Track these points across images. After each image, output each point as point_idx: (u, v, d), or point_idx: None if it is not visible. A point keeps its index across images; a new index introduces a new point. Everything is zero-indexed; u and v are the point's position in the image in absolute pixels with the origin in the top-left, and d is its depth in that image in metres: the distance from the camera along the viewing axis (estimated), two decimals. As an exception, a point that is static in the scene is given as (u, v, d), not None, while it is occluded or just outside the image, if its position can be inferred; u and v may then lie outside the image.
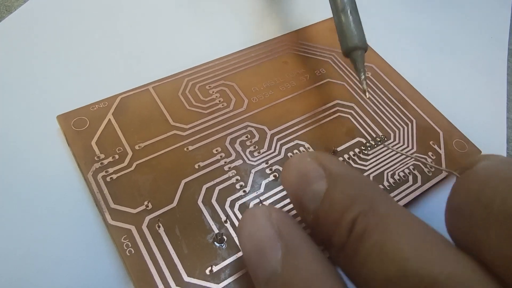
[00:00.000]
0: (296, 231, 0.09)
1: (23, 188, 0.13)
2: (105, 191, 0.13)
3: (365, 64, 0.17)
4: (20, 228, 0.12)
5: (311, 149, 0.14)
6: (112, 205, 0.12)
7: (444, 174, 0.14)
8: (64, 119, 0.14)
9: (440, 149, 0.15)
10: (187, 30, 0.19)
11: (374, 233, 0.08)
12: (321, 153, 0.10)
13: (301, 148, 0.14)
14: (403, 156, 0.15)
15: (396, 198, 0.14)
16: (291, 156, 0.14)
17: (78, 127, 0.14)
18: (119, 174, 0.13)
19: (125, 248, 0.12)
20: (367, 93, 0.13)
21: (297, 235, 0.09)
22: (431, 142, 0.15)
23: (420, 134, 0.16)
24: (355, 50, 0.14)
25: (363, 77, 0.13)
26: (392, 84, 0.17)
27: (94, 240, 0.12)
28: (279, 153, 0.14)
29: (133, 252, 0.11)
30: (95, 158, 0.13)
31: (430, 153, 0.15)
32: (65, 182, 0.13)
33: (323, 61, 0.17)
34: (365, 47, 0.14)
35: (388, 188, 0.14)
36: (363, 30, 0.14)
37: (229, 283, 0.11)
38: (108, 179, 0.13)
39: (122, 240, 0.12)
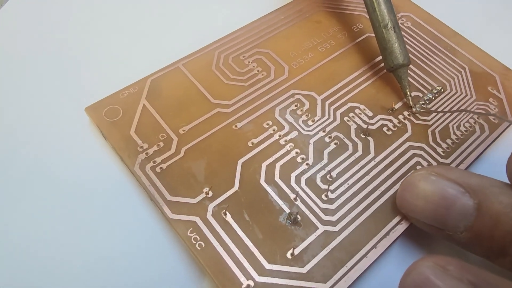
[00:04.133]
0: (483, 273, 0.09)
1: (70, 192, 0.11)
2: (158, 183, 0.11)
3: (403, 13, 0.16)
4: (77, 234, 0.11)
5: (367, 111, 0.13)
6: (169, 198, 0.11)
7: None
8: (94, 110, 0.12)
9: (500, 93, 0.14)
10: (206, 1, 0.17)
11: None
12: (439, 167, 0.11)
13: (356, 111, 0.13)
14: (465, 106, 0.14)
15: (467, 150, 0.13)
16: (407, 177, 0.11)
17: (111, 117, 0.12)
18: (168, 163, 0.12)
19: (194, 242, 0.10)
20: (413, 108, 0.13)
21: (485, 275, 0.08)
22: (489, 88, 0.14)
23: (476, 81, 0.14)
24: (400, 67, 0.13)
25: (409, 93, 0.13)
26: (435, 32, 0.16)
27: (156, 237, 0.11)
28: (335, 119, 0.13)
29: (203, 245, 0.10)
30: (138, 148, 0.12)
31: (491, 99, 0.14)
32: (111, 180, 0.12)
33: (357, 16, 0.16)
34: (409, 64, 0.13)
35: (457, 141, 0.13)
36: (405, 46, 0.14)
37: (315, 265, 0.10)
38: (157, 169, 0.11)
39: (189, 234, 0.10)
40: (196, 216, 0.11)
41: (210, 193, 0.11)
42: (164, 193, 0.11)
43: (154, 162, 0.12)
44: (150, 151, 0.12)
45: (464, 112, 0.14)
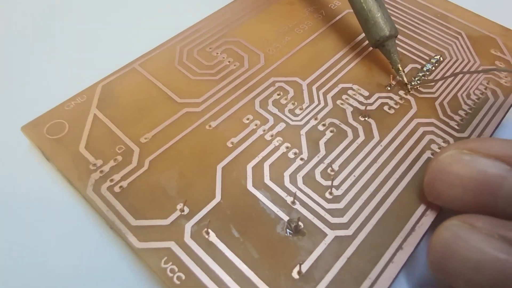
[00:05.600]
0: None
1: (14, 231, 0.09)
2: (118, 206, 0.09)
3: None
4: (25, 277, 0.08)
5: (362, 90, 0.11)
6: (134, 222, 0.09)
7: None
8: (33, 129, 0.10)
9: (505, 55, 0.13)
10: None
11: None
12: (471, 141, 0.08)
13: (350, 92, 0.11)
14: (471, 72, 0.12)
15: (485, 120, 0.11)
16: (433, 160, 0.09)
17: (55, 133, 0.10)
18: (130, 179, 0.09)
19: (171, 274, 0.08)
20: (409, 85, 0.11)
21: None
22: (492, 51, 0.13)
23: (476, 45, 0.13)
24: (388, 40, 0.11)
25: (401, 68, 0.11)
26: (420, 1, 0.14)
27: (122, 273, 0.08)
28: (326, 104, 0.11)
29: (183, 277, 0.08)
30: (91, 166, 0.09)
31: (497, 62, 0.12)
32: (61, 210, 0.09)
33: (333, -7, 0.14)
34: (397, 34, 0.12)
35: (470, 111, 0.11)
36: (389, 15, 0.12)
37: (330, 281, 0.08)
38: (116, 189, 0.09)
39: (163, 265, 0.08)
40: (171, 241, 0.08)
41: (186, 210, 0.09)
42: (127, 218, 0.09)
43: (111, 180, 0.09)
44: (106, 168, 0.09)
45: (472, 78, 0.12)
